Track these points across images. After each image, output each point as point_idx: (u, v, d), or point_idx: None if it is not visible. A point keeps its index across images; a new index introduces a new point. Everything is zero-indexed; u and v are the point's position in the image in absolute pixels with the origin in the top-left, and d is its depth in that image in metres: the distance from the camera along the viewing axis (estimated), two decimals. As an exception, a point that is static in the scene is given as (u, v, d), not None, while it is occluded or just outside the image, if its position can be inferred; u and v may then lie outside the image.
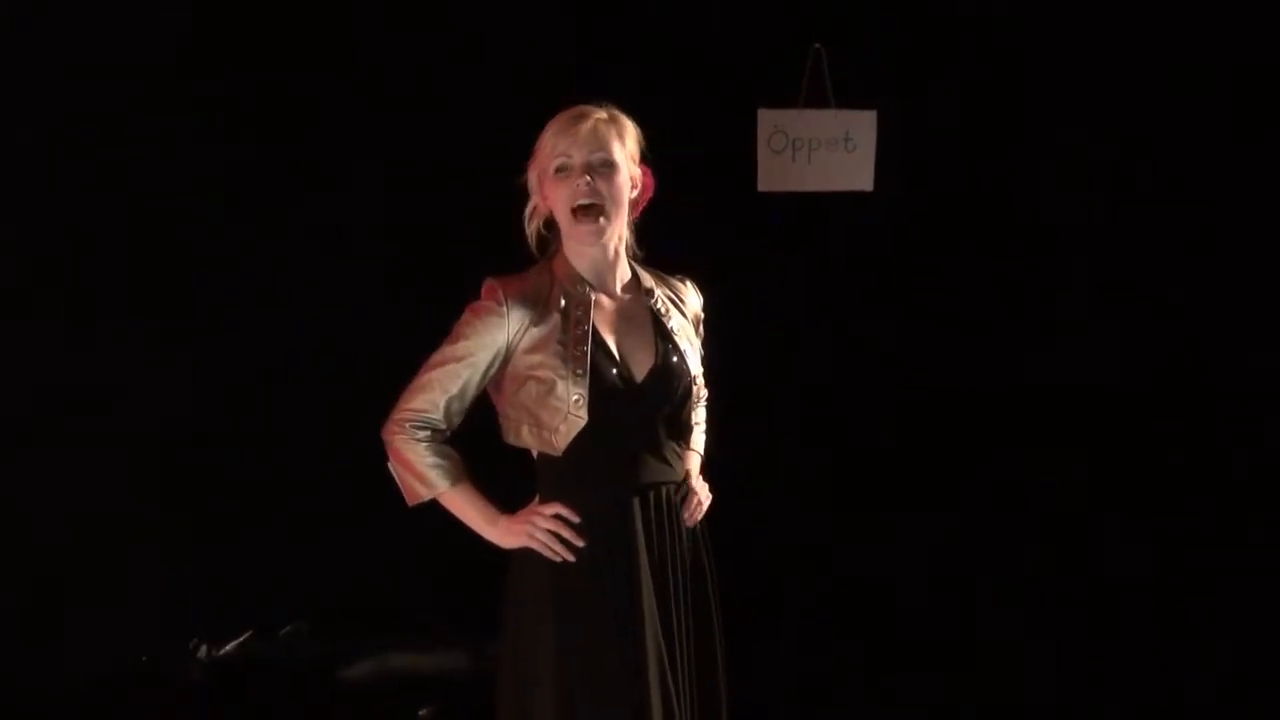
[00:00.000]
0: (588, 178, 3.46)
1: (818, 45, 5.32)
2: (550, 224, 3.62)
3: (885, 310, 5.56)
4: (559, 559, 3.51)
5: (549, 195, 3.55)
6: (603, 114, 3.52)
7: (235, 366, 5.25)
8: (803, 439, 5.53)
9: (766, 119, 5.37)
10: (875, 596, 5.52)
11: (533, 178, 3.58)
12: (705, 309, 3.79)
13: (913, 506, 5.54)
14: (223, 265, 5.19)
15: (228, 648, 5.29)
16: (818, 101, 5.34)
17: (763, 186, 5.40)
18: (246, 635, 5.32)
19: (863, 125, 5.36)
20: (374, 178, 5.22)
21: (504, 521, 3.56)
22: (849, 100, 5.35)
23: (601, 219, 3.48)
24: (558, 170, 3.50)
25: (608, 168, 3.49)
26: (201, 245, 5.18)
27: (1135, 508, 5.50)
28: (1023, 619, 5.46)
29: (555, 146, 3.49)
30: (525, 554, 3.57)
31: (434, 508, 3.59)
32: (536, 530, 3.52)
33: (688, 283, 3.76)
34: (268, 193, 5.19)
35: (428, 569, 5.15)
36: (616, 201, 3.51)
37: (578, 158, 3.48)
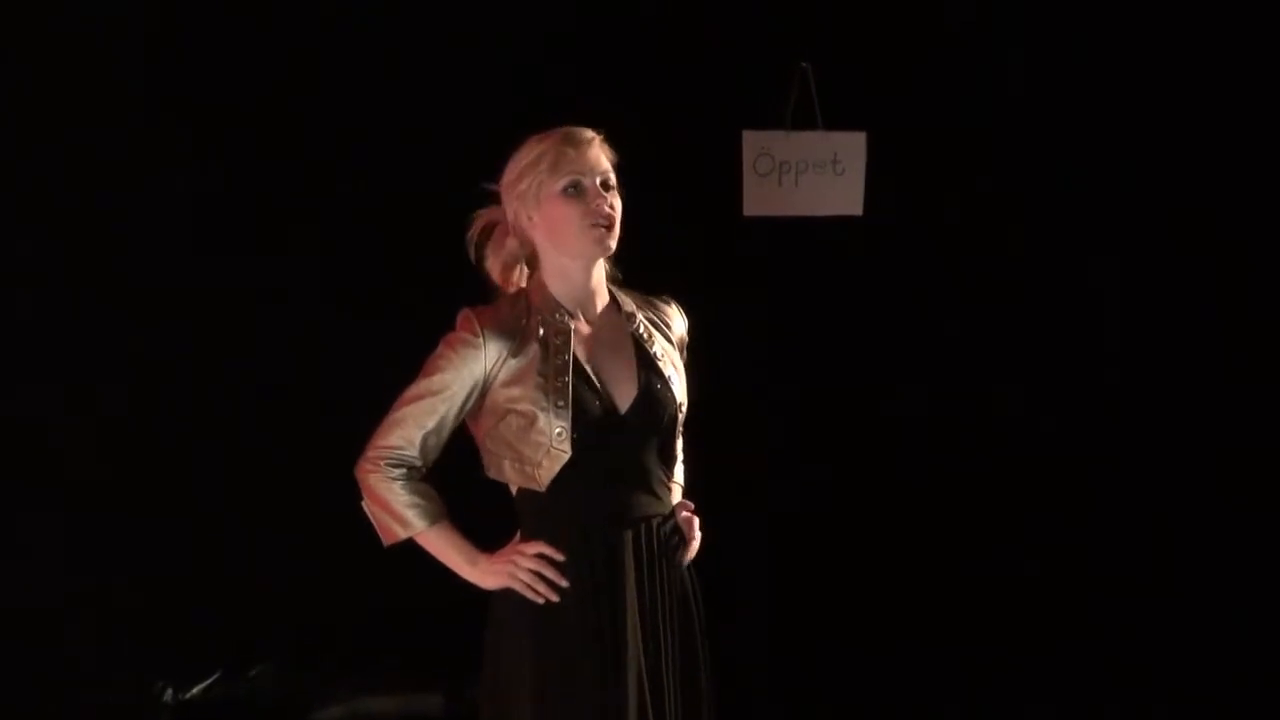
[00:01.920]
0: (607, 195, 3.50)
1: (804, 64, 5.31)
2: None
3: (874, 339, 5.56)
4: (541, 600, 3.47)
5: (552, 216, 3.52)
6: (594, 134, 3.56)
7: (201, 395, 5.26)
8: (788, 471, 5.52)
9: (752, 141, 5.35)
10: (875, 639, 5.54)
11: (513, 204, 3.55)
12: (691, 332, 3.79)
13: (909, 538, 5.56)
14: (196, 297, 5.24)
15: (194, 690, 5.27)
16: (805, 123, 5.34)
17: (748, 211, 5.38)
18: (214, 677, 5.30)
19: (852, 147, 5.34)
20: (358, 203, 5.26)
21: (484, 561, 3.52)
22: (837, 121, 5.35)
23: (615, 229, 3.52)
24: (567, 189, 3.49)
25: (613, 187, 3.54)
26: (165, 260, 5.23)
27: (1142, 533, 5.56)
28: (1029, 661, 5.52)
29: (560, 166, 3.50)
30: (506, 595, 3.53)
31: (410, 546, 3.56)
32: (518, 570, 3.48)
33: (672, 304, 3.76)
34: (252, 215, 5.25)
35: (402, 609, 5.12)
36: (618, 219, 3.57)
37: (590, 177, 3.50)
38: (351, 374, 4.90)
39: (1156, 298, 5.57)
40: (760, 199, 5.37)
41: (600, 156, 3.53)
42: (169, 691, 5.25)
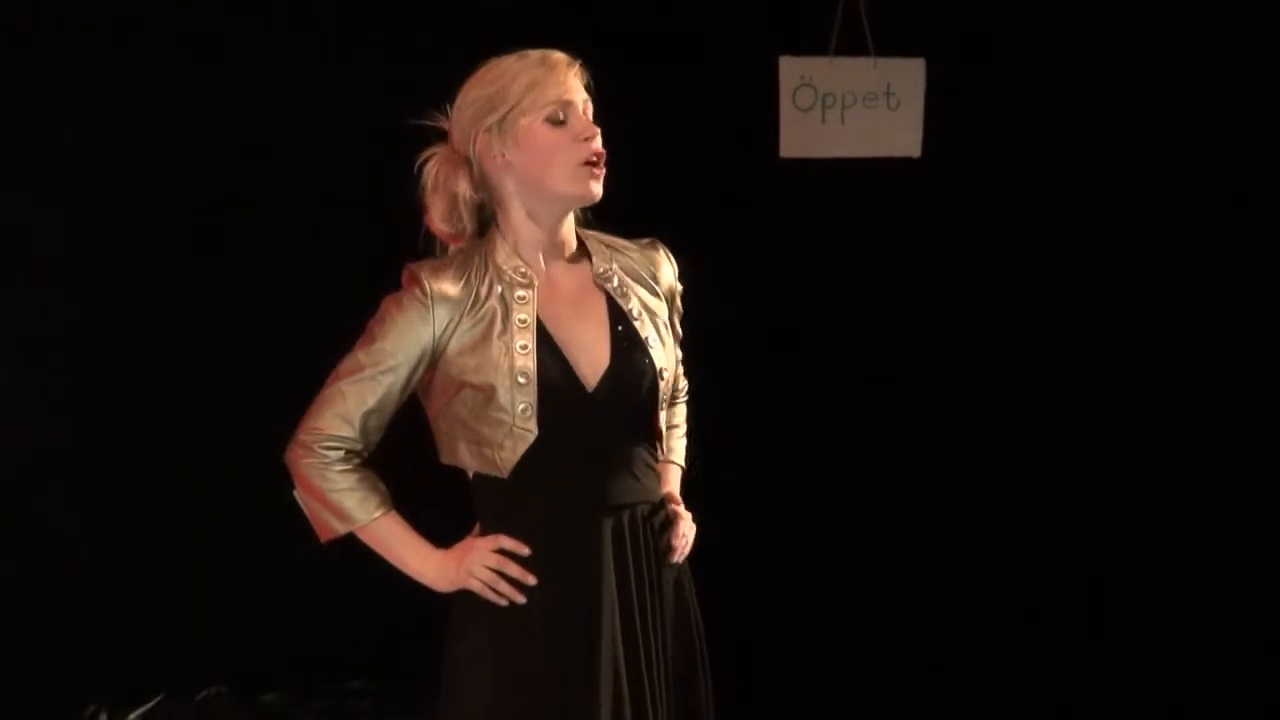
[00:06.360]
0: (596, 126, 3.35)
1: (853, -23, 5.24)
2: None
3: (931, 302, 5.41)
4: (504, 602, 3.30)
5: (536, 148, 3.31)
6: (572, 60, 3.40)
7: (137, 395, 5.17)
8: (821, 454, 5.38)
9: (790, 69, 5.23)
10: (895, 642, 5.44)
11: (478, 140, 3.34)
12: (682, 278, 3.57)
13: (952, 535, 5.41)
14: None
15: (132, 716, 5.13)
16: (853, 48, 5.22)
17: (785, 152, 5.25)
18: (156, 701, 5.14)
19: (908, 77, 5.24)
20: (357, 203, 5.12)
21: (439, 559, 3.35)
22: (891, 46, 5.22)
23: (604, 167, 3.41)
24: (552, 117, 3.32)
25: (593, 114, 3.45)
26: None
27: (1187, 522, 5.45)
28: (1030, 661, 5.40)
29: (543, 89, 3.32)
30: (466, 598, 3.35)
31: (359, 547, 3.37)
32: (475, 567, 3.32)
33: (659, 248, 3.57)
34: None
35: (358, 623, 5.10)
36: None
37: (579, 105, 3.34)
38: (284, 369, 4.62)
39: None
40: (800, 138, 5.26)
41: (580, 87, 3.38)
42: (102, 716, 5.10)
